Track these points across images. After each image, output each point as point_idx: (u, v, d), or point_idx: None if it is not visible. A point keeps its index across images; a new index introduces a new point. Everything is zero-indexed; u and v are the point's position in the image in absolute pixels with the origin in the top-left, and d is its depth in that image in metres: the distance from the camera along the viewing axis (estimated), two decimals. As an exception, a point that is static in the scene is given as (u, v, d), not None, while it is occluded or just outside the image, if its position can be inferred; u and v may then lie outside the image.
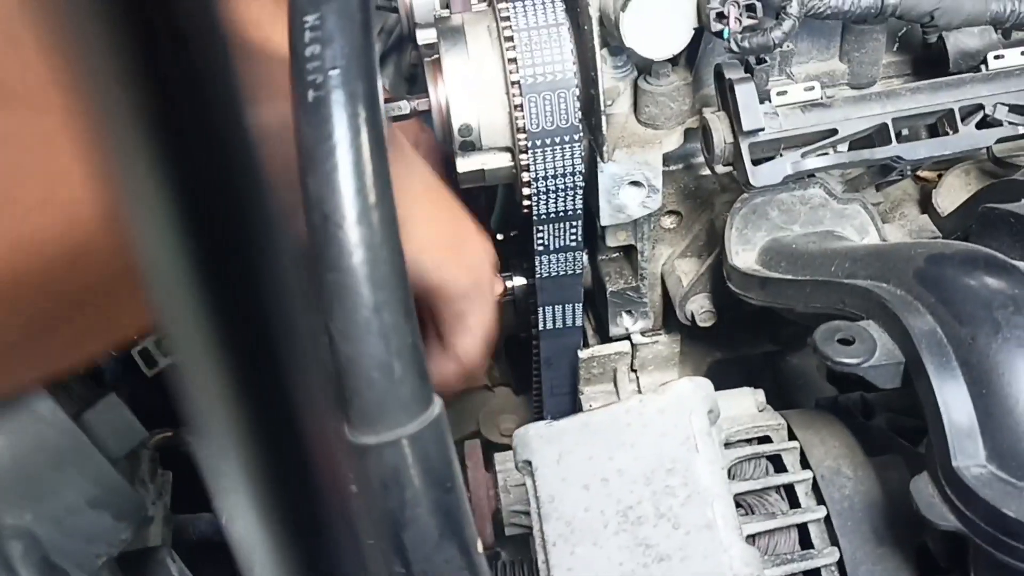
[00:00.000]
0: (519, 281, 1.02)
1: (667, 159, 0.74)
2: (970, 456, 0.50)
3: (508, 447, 1.63)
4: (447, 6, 0.77)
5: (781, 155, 0.66)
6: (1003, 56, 0.67)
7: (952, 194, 0.72)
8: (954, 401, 0.51)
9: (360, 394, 0.44)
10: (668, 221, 0.80)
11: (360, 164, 0.43)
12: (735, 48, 0.63)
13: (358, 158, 0.43)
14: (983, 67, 0.68)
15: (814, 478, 0.62)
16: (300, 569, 0.31)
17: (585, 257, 0.87)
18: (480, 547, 0.48)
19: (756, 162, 0.65)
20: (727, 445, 0.64)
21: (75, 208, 0.46)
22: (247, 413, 0.28)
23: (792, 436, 0.65)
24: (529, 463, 0.59)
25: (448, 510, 0.46)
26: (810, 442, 0.64)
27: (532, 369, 0.96)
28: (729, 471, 0.62)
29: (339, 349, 0.43)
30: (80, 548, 0.42)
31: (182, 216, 0.24)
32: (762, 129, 0.63)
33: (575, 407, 0.92)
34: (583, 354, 0.86)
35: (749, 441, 0.66)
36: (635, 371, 0.88)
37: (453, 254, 0.70)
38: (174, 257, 0.25)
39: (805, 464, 0.63)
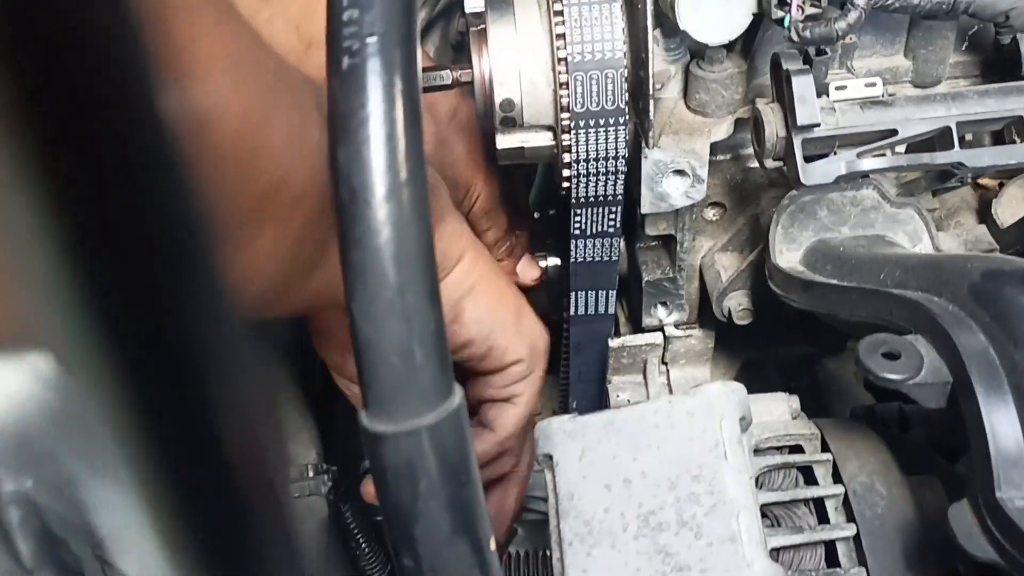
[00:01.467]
0: (553, 261, 0.99)
1: (715, 149, 0.71)
2: (1016, 487, 0.48)
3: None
4: (497, -25, 0.74)
5: (836, 153, 0.63)
6: (1080, 63, 0.63)
7: (1013, 205, 0.68)
8: (1002, 427, 0.48)
9: (379, 379, 0.42)
10: (711, 213, 0.78)
11: (394, 138, 0.41)
12: (795, 38, 0.59)
13: (392, 131, 0.41)
14: (1057, 74, 0.64)
15: (845, 493, 0.59)
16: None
17: (622, 243, 0.85)
18: (493, 544, 0.46)
19: (808, 159, 0.62)
20: (757, 452, 0.62)
21: None
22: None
23: (825, 447, 0.63)
24: (550, 457, 0.57)
25: (463, 505, 0.44)
26: (844, 455, 0.61)
27: (561, 352, 0.93)
28: (757, 479, 0.60)
29: (359, 331, 0.41)
30: (81, 520, 0.41)
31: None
32: (817, 125, 0.61)
33: (602, 395, 0.90)
34: (614, 343, 0.84)
35: (780, 449, 0.63)
36: (666, 364, 0.85)
37: (515, 322, 0.70)
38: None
39: (837, 478, 0.61)
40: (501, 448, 0.73)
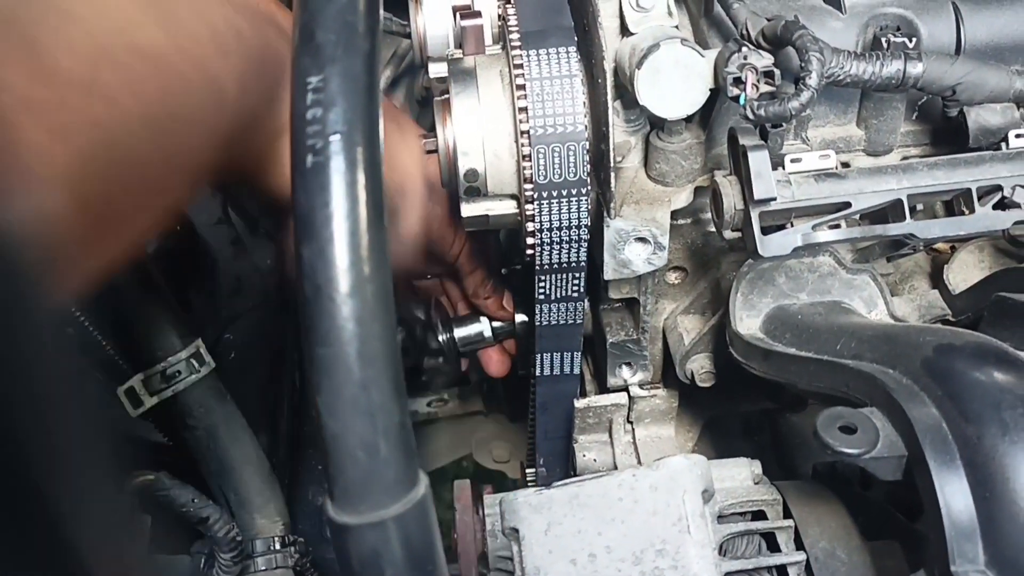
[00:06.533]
0: (520, 318, 1.00)
1: (675, 214, 0.72)
2: (969, 560, 0.49)
3: (500, 473, 1.61)
4: (460, 45, 0.75)
5: (792, 225, 0.64)
6: (1024, 135, 0.65)
7: (964, 271, 0.70)
8: (955, 501, 0.50)
9: (344, 473, 0.42)
10: (673, 276, 0.79)
11: (357, 236, 0.42)
12: (751, 115, 0.61)
13: (355, 229, 0.42)
14: (1004, 145, 0.66)
15: (807, 560, 0.60)
16: None
17: (587, 304, 0.86)
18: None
19: (766, 231, 0.63)
20: (721, 518, 0.63)
21: None
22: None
23: (787, 512, 0.64)
24: (516, 531, 0.58)
25: (428, 593, 0.45)
26: (805, 520, 0.62)
27: (528, 404, 0.94)
28: (721, 547, 0.61)
29: (325, 425, 0.42)
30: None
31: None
32: (774, 199, 0.62)
33: (569, 453, 0.90)
34: (579, 403, 0.84)
35: (743, 515, 0.64)
36: (631, 423, 0.86)
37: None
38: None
39: (799, 544, 0.62)
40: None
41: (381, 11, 0.48)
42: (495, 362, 1.01)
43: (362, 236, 0.42)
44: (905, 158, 0.73)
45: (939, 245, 0.75)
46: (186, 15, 0.53)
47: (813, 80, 0.59)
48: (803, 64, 0.60)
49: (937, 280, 0.72)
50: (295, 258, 0.43)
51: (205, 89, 0.53)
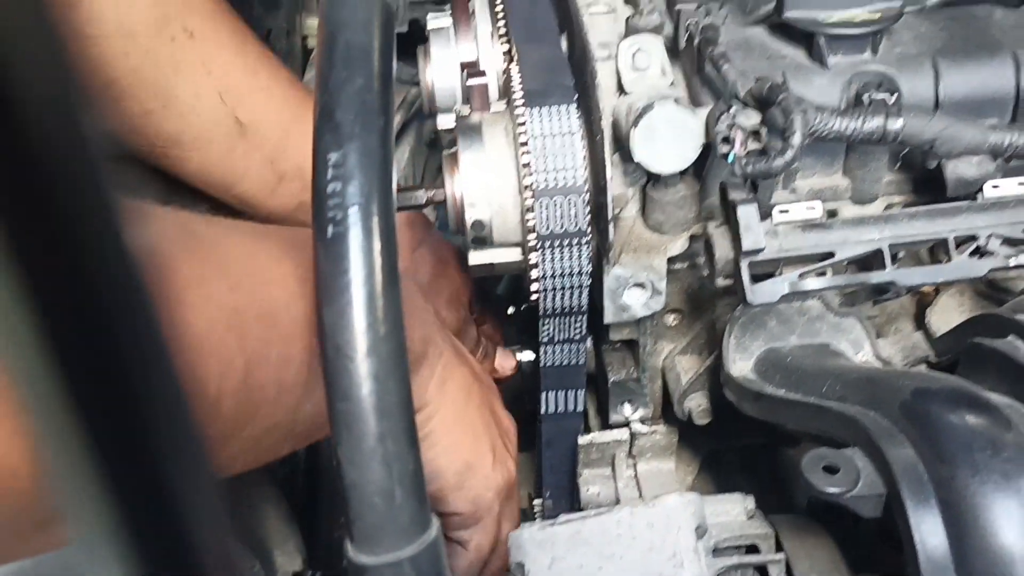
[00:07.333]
0: (527, 356, 1.05)
1: (672, 260, 0.76)
2: (944, 593, 0.52)
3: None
4: (467, 101, 0.80)
5: (780, 273, 0.68)
6: (999, 186, 0.69)
7: (946, 314, 0.74)
8: (930, 538, 0.53)
9: (362, 517, 0.46)
10: (671, 319, 0.83)
11: (373, 300, 0.46)
12: (739, 172, 0.65)
13: (371, 294, 0.46)
14: (980, 195, 0.70)
15: (797, 592, 0.64)
16: None
17: (590, 342, 0.90)
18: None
19: (755, 278, 0.67)
20: (716, 551, 0.66)
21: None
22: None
23: (779, 546, 0.67)
24: (522, 566, 0.61)
25: (441, 628, 0.48)
26: (796, 555, 0.66)
27: (536, 436, 0.98)
28: (715, 579, 0.64)
29: (345, 474, 0.46)
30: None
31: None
32: (762, 249, 0.66)
33: (573, 488, 0.94)
34: (583, 440, 0.88)
35: (738, 548, 0.68)
36: (633, 458, 0.90)
37: (459, 472, 0.73)
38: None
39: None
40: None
41: (394, 89, 0.52)
42: (501, 360, 1.02)
43: (378, 300, 0.46)
44: (889, 206, 0.76)
45: (924, 288, 0.79)
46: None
47: (796, 140, 0.63)
48: (786, 124, 0.64)
49: (921, 322, 0.76)
50: (317, 320, 0.47)
51: None
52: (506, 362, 1.04)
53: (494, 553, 0.78)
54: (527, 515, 0.99)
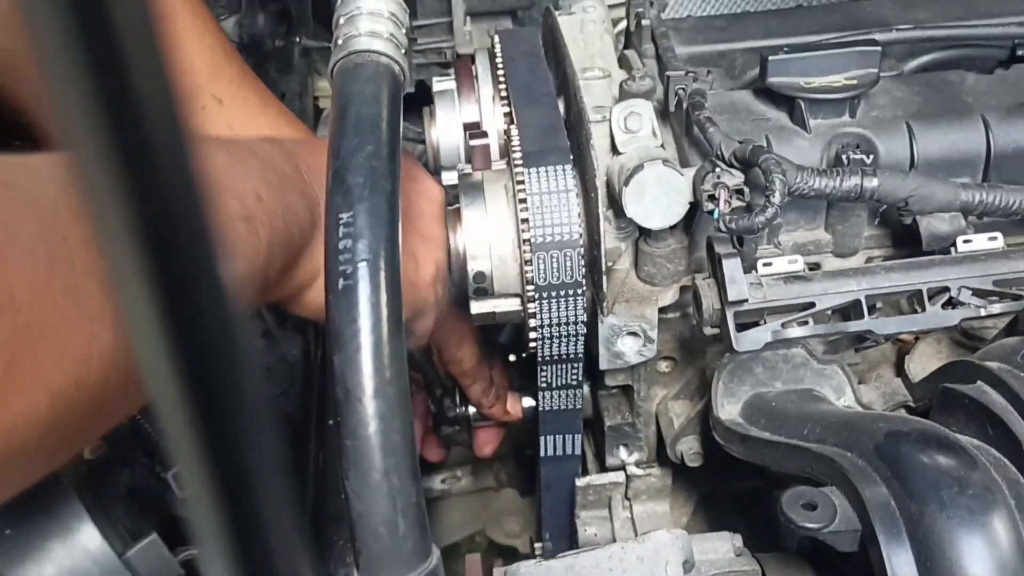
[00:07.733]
0: (528, 403, 1.09)
1: (663, 309, 0.80)
2: (915, 623, 0.56)
3: (512, 548, 1.67)
4: (469, 160, 0.85)
5: (764, 322, 0.72)
6: (971, 240, 0.74)
7: (924, 361, 0.78)
8: (902, 571, 0.57)
9: (368, 546, 0.50)
10: (663, 365, 0.87)
11: (380, 347, 0.50)
12: (723, 228, 0.70)
13: (378, 342, 0.51)
14: (953, 249, 0.74)
15: (782, 626, 0.67)
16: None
17: (587, 388, 0.94)
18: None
19: (741, 327, 0.72)
20: (704, 587, 0.70)
21: (108, 357, 0.46)
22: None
23: (765, 583, 0.70)
24: (519, 600, 0.65)
25: (442, 652, 0.52)
26: (780, 590, 0.69)
27: (538, 485, 1.02)
28: (704, 614, 0.68)
29: (352, 505, 0.50)
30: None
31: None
32: (746, 300, 0.70)
33: (572, 528, 0.97)
34: (580, 482, 0.92)
35: (725, 584, 0.71)
36: (629, 499, 0.93)
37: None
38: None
39: (775, 611, 0.68)
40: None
41: (400, 155, 0.57)
42: (483, 444, 1.10)
43: (384, 347, 0.51)
44: (869, 259, 0.81)
45: (903, 336, 0.83)
46: (221, 196, 0.57)
47: (776, 199, 0.68)
48: (767, 184, 0.68)
49: (901, 369, 0.80)
50: (328, 365, 0.51)
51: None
52: (516, 406, 1.09)
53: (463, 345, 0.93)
54: (529, 558, 1.02)
